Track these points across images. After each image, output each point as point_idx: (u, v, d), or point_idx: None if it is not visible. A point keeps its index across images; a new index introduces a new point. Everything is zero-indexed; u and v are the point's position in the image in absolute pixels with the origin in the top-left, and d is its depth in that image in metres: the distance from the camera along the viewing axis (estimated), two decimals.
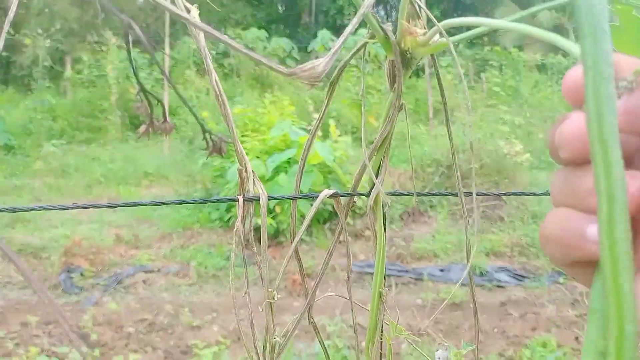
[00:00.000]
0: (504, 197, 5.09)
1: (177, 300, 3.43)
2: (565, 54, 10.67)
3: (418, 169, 5.32)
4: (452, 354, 0.56)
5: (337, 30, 15.34)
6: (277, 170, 4.57)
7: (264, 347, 0.57)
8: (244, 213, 0.54)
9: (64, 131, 8.25)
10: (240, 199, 0.55)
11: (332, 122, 5.49)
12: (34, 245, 4.23)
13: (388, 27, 0.46)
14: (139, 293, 3.53)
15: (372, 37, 0.49)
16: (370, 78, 9.53)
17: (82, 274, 3.75)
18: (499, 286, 3.89)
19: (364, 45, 0.51)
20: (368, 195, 0.56)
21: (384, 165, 0.55)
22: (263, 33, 12.15)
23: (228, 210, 4.69)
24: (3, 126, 7.84)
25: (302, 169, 0.58)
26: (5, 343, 2.74)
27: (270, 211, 4.39)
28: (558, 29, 12.96)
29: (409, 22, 0.48)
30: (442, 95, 0.59)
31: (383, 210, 0.57)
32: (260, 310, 0.59)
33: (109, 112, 8.18)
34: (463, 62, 10.27)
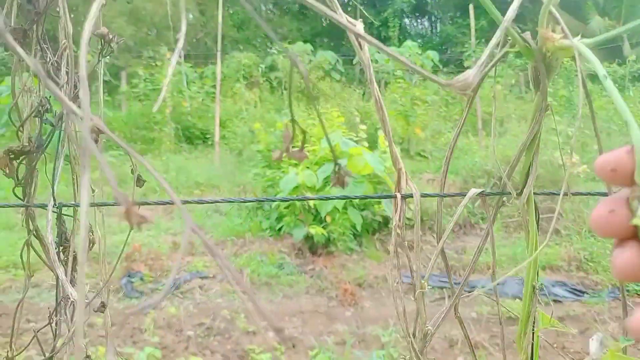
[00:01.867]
0: (560, 211, 4.94)
1: (232, 306, 3.51)
2: (621, 63, 10.25)
3: (469, 179, 5.25)
4: (610, 345, 0.58)
5: (382, 42, 15.36)
6: (327, 181, 4.62)
7: (414, 335, 0.60)
8: (401, 208, 0.59)
9: (115, 141, 8.61)
10: (399, 195, 0.59)
11: (380, 133, 5.50)
12: (95, 251, 4.44)
13: (527, 35, 0.50)
14: (195, 298, 3.65)
15: (512, 46, 0.52)
16: (416, 89, 9.50)
17: (141, 279, 3.90)
18: (556, 301, 3.77)
19: (506, 54, 0.55)
20: (520, 193, 0.59)
21: (534, 164, 0.58)
22: (308, 46, 12.34)
23: (279, 219, 4.78)
24: (64, 137, 8.28)
25: (446, 171, 0.62)
26: None
27: (321, 221, 4.44)
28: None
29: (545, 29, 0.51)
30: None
31: (535, 206, 0.60)
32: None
33: (162, 124, 8.50)
34: (512, 73, 10.08)
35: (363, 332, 3.16)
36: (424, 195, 0.64)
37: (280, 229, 4.71)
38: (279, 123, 5.84)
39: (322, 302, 3.69)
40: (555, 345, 3.25)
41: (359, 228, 4.48)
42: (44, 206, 0.76)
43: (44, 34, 0.72)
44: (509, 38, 0.53)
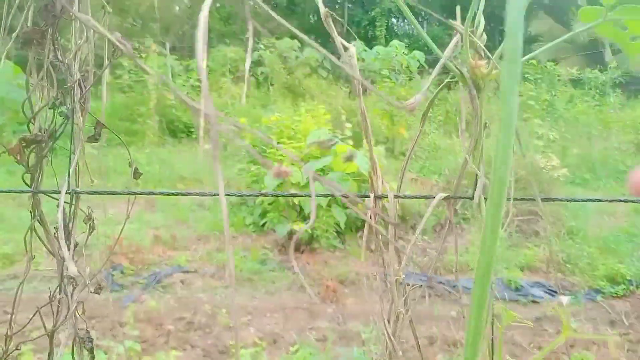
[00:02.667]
0: (539, 212, 5.03)
1: (213, 301, 3.50)
2: (602, 69, 10.44)
3: (452, 180, 5.30)
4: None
5: (369, 41, 15.41)
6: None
7: (388, 321, 0.62)
8: (375, 208, 0.60)
9: (102, 134, 8.50)
10: (372, 195, 0.60)
11: None
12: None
13: (463, 68, 0.57)
14: (177, 292, 3.63)
15: (452, 77, 0.60)
16: (402, 89, 9.55)
17: (122, 272, 3.87)
18: (534, 301, 3.85)
19: (446, 84, 0.62)
20: (471, 198, 0.61)
21: (482, 171, 0.61)
22: (296, 43, 12.30)
23: (263, 215, 4.77)
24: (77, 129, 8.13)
25: (406, 164, 0.64)
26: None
27: (305, 218, 4.45)
28: (594, 42, 12.74)
29: (473, 59, 0.59)
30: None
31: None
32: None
33: (146, 117, 8.41)
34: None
35: (344, 328, 3.18)
36: (398, 197, 0.66)
37: (263, 225, 4.71)
38: (265, 119, 5.82)
39: (304, 299, 3.70)
40: (532, 345, 3.30)
41: (342, 226, 4.50)
42: (55, 192, 0.77)
43: (57, 35, 0.75)
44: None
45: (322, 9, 0.64)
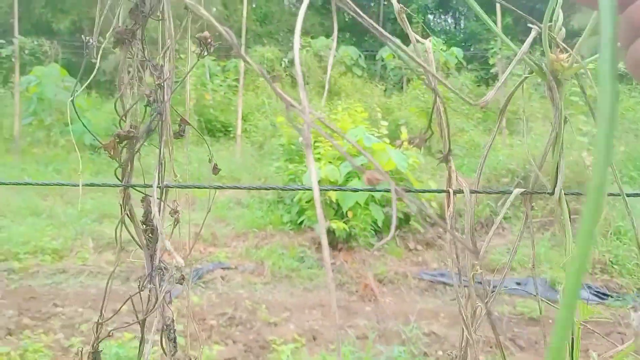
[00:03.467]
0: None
1: (253, 297, 3.55)
2: None
3: (492, 178, 5.20)
4: None
5: (405, 39, 15.26)
6: (349, 176, 4.63)
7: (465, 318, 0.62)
8: (453, 203, 0.60)
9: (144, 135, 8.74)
10: (451, 190, 0.61)
11: (403, 130, 5.48)
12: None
13: (542, 62, 0.56)
14: (218, 288, 3.69)
15: (530, 72, 0.58)
16: (439, 86, 9.40)
17: (165, 268, 3.97)
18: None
19: (524, 79, 0.60)
20: (552, 193, 0.60)
21: (561, 165, 0.60)
22: (331, 41, 12.30)
23: (300, 213, 4.80)
24: (90, 127, 8.43)
25: (482, 167, 0.64)
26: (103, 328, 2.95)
27: (342, 216, 4.45)
28: None
29: (553, 53, 0.57)
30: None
31: (567, 205, 0.61)
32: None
33: (185, 117, 8.59)
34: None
35: (383, 327, 3.17)
36: (474, 192, 0.65)
37: (301, 223, 4.74)
38: (301, 118, 5.85)
39: (342, 297, 3.70)
40: (588, 351, 3.21)
41: (380, 224, 4.48)
42: (147, 186, 0.80)
43: (144, 35, 0.79)
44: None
45: (397, 6, 0.64)
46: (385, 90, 11.07)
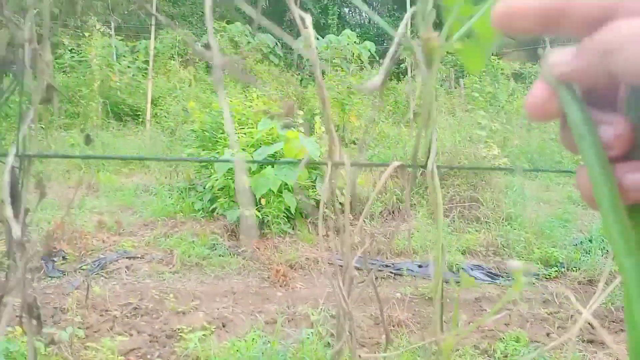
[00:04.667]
0: (480, 199, 5.27)
1: (161, 287, 3.45)
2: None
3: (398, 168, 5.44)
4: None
5: (320, 29, 15.42)
6: (263, 164, 4.62)
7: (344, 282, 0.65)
8: (331, 175, 0.63)
9: (42, 115, 8.07)
10: (329, 162, 0.63)
11: (317, 119, 5.56)
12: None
13: (416, 43, 0.60)
14: (122, 278, 3.54)
15: (406, 49, 0.62)
16: (353, 78, 9.64)
17: (64, 258, 3.73)
18: None
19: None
20: (425, 167, 0.65)
21: (434, 140, 0.64)
22: (247, 28, 12.12)
23: (212, 201, 4.72)
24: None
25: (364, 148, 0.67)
26: None
27: (255, 203, 4.44)
28: (536, 38, 13.31)
29: (426, 30, 0.62)
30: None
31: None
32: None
33: (89, 99, 8.06)
34: (444, 68, 10.49)
35: (294, 311, 3.23)
36: (356, 164, 0.69)
37: (213, 210, 4.66)
38: (215, 104, 5.73)
39: (254, 283, 3.71)
40: (470, 324, 3.48)
41: (293, 211, 4.53)
42: (2, 155, 0.74)
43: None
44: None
45: None
46: (301, 80, 11.13)
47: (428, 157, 0.66)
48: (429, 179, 0.65)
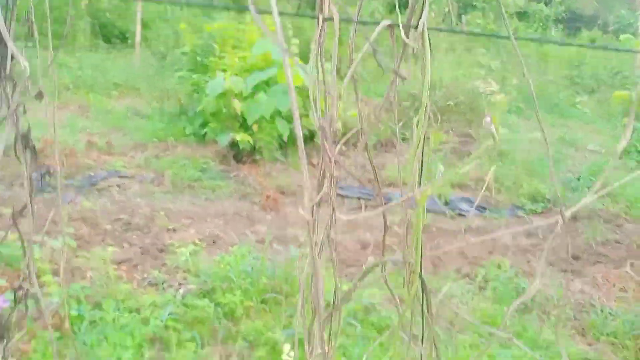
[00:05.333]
0: (474, 135, 5.26)
1: (152, 205, 3.47)
2: (547, 2, 10.60)
3: (394, 101, 5.37)
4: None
5: None
6: (256, 89, 4.54)
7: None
8: (321, 31, 0.60)
9: (28, 36, 7.79)
10: (320, 16, 0.60)
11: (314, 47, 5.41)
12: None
13: None
14: (113, 196, 3.56)
15: None
16: (353, 8, 9.30)
17: (50, 174, 3.71)
18: (460, 214, 4.11)
19: None
20: (416, 27, 0.62)
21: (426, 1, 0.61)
22: None
23: (203, 125, 4.67)
24: None
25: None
26: None
27: (247, 128, 4.40)
28: None
29: None
30: None
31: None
32: None
33: (77, 19, 7.74)
34: (445, 1, 10.12)
35: (283, 233, 3.28)
36: (344, 20, 0.66)
37: (204, 135, 4.62)
38: (208, 26, 5.52)
39: (245, 207, 3.74)
40: (455, 251, 3.56)
41: (285, 138, 4.50)
42: None
43: None
44: None
45: None
46: (298, 8, 10.73)
47: (420, 17, 0.63)
48: (419, 40, 0.63)
